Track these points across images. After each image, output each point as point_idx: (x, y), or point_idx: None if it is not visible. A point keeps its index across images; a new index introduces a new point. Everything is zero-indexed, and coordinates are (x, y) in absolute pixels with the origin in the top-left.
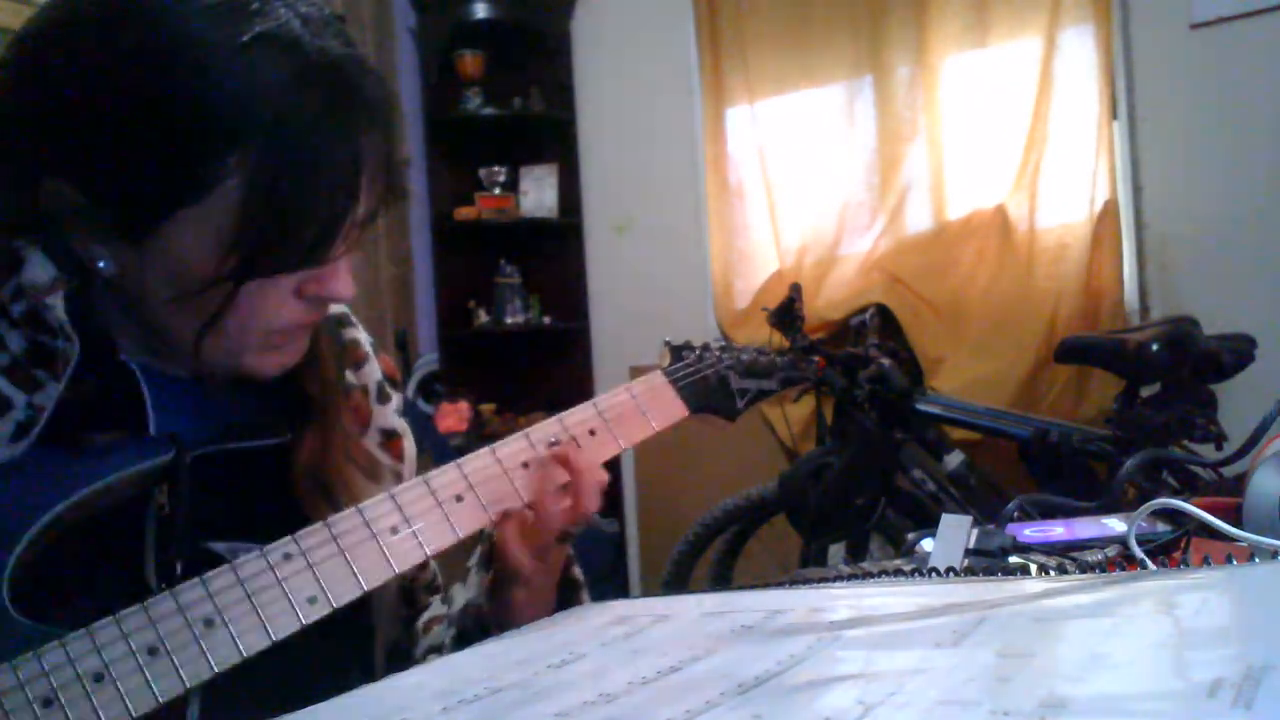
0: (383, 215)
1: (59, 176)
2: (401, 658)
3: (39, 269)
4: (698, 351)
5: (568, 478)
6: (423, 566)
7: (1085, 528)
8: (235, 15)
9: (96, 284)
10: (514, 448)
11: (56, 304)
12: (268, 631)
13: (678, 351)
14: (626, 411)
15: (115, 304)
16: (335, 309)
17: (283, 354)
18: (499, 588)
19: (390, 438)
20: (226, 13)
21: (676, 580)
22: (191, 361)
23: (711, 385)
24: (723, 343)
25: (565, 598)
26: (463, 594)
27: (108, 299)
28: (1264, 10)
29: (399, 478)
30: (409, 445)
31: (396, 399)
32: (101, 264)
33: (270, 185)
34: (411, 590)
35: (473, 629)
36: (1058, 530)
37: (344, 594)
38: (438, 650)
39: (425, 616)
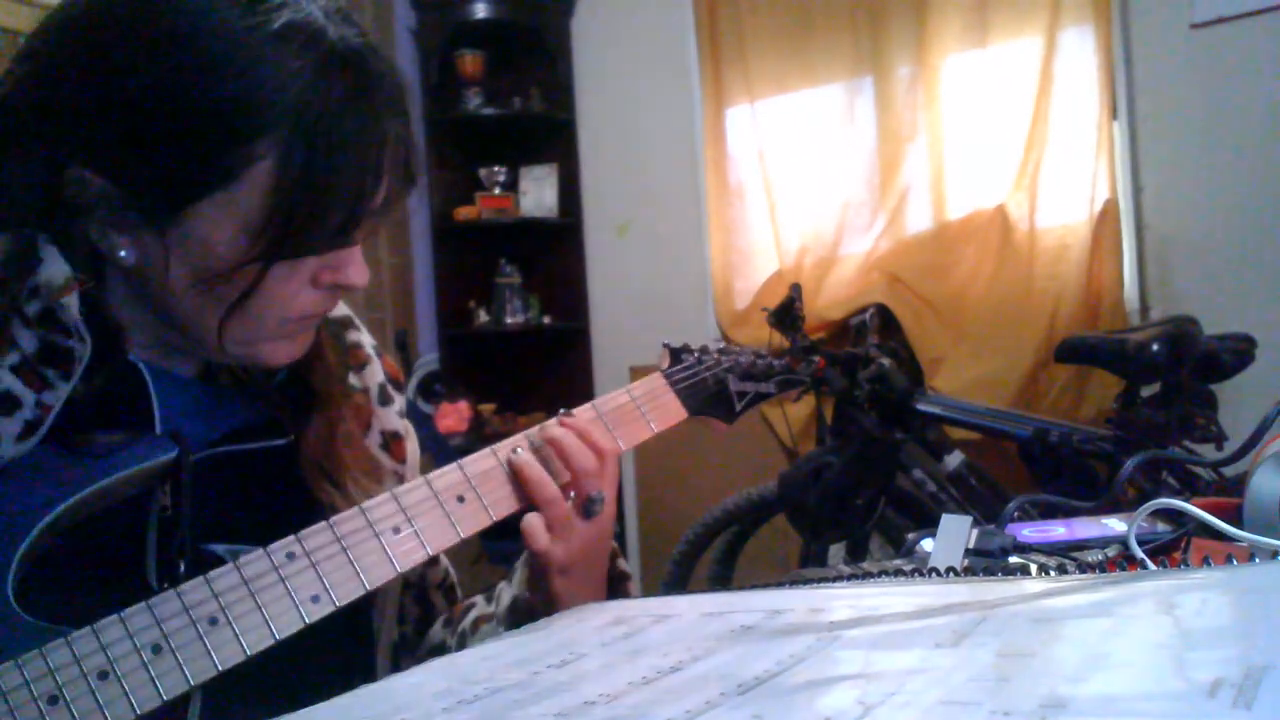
0: (398, 200)
1: (85, 165)
2: (421, 658)
3: (55, 268)
4: (696, 354)
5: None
6: (433, 564)
7: (1085, 528)
8: (262, 4)
9: (111, 279)
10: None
11: (72, 303)
12: (271, 630)
13: (676, 354)
14: (626, 413)
15: (130, 298)
16: (338, 312)
17: (294, 344)
18: (539, 579)
19: (392, 439)
20: (254, 2)
21: (676, 580)
22: (211, 349)
23: (710, 388)
24: (721, 345)
25: (614, 590)
26: (509, 591)
27: (121, 294)
28: (1264, 10)
29: (400, 479)
30: (412, 447)
31: (399, 401)
32: (123, 253)
33: (302, 169)
34: (423, 590)
35: (525, 623)
36: (1058, 530)
37: (347, 593)
38: None
39: (471, 615)
